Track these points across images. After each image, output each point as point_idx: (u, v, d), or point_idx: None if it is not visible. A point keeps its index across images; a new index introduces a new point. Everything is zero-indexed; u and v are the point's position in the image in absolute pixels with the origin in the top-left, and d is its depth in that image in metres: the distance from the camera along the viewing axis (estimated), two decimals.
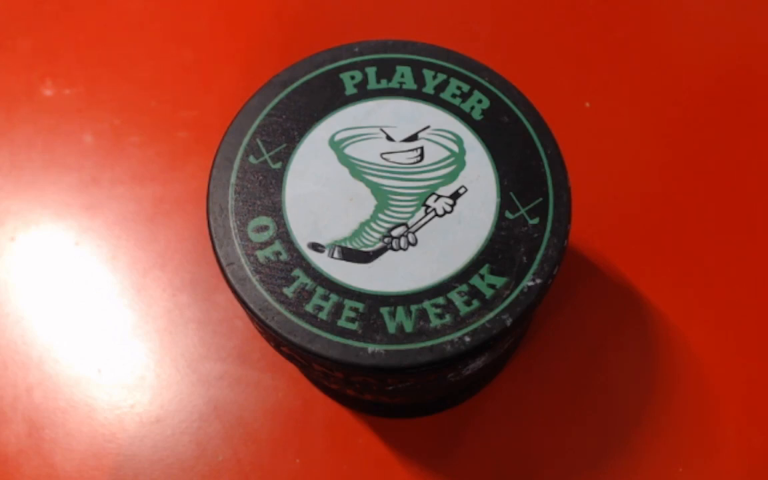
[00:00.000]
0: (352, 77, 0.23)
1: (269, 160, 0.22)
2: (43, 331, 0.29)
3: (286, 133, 0.23)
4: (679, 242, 0.30)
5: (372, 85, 0.23)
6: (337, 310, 0.20)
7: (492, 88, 0.23)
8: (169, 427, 0.27)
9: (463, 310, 0.20)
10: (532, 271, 0.20)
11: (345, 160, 0.22)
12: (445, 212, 0.21)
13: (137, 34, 0.35)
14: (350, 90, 0.23)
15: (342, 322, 0.20)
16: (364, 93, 0.23)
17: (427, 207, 0.21)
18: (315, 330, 0.20)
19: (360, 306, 0.20)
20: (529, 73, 0.30)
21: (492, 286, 0.20)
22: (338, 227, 0.21)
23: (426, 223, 0.21)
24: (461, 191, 0.22)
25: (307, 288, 0.20)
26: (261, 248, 0.21)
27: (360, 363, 0.19)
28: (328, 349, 0.20)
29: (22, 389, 0.28)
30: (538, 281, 0.20)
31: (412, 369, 0.19)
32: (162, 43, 0.35)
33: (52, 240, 0.30)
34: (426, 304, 0.20)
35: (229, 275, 0.20)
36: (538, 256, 0.21)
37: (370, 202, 0.21)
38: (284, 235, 0.21)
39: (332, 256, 0.21)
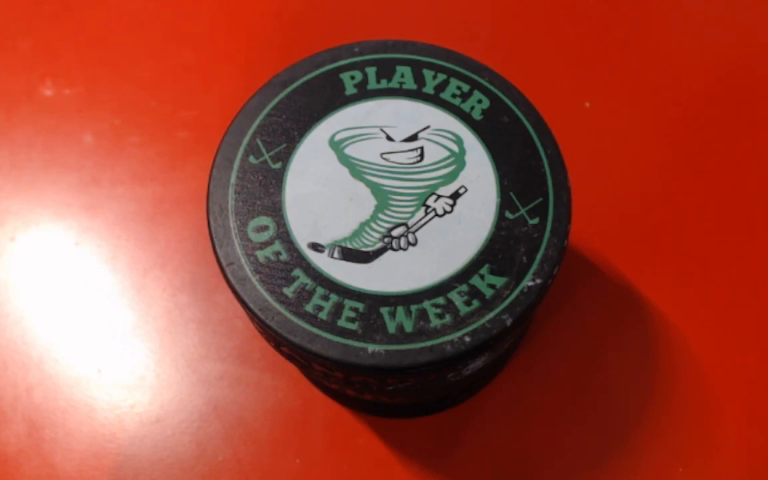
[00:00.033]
0: (352, 77, 0.23)
1: (269, 160, 0.22)
2: (43, 331, 0.29)
3: (286, 133, 0.23)
4: (679, 242, 0.30)
5: (372, 85, 0.23)
6: (337, 310, 0.20)
7: (492, 88, 0.23)
8: (169, 427, 0.27)
9: (463, 310, 0.20)
10: (532, 271, 0.20)
11: (345, 160, 0.22)
12: (445, 212, 0.21)
13: (137, 34, 0.35)
14: (350, 90, 0.23)
15: (342, 322, 0.20)
16: (364, 93, 0.23)
17: (427, 207, 0.21)
18: (315, 330, 0.20)
19: (360, 306, 0.20)
20: (529, 73, 0.30)
21: (492, 286, 0.20)
22: (338, 227, 0.21)
23: (426, 223, 0.21)
24: (461, 191, 0.22)
25: (307, 288, 0.20)
26: (261, 248, 0.21)
27: (360, 363, 0.19)
28: (328, 349, 0.20)
29: (22, 389, 0.28)
30: (538, 281, 0.20)
31: (412, 369, 0.19)
32: (162, 43, 0.35)
33: (52, 240, 0.30)
34: (426, 304, 0.20)
35: (229, 275, 0.20)
36: (538, 256, 0.21)
37: (370, 202, 0.21)
38: (284, 235, 0.21)
39: (332, 256, 0.21)
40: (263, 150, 0.22)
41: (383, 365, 0.19)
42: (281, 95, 0.23)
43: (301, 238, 0.21)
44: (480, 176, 0.22)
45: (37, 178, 0.32)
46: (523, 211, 0.21)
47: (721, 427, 0.27)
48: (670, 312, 0.28)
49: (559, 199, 0.21)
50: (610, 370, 0.28)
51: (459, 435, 0.27)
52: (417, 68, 0.24)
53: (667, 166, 0.31)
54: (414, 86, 0.23)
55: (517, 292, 0.20)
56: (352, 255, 0.21)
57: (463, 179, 0.22)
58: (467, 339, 0.20)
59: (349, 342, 0.20)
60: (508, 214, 0.21)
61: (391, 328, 0.20)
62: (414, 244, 0.21)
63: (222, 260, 0.21)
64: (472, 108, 0.23)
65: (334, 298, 0.20)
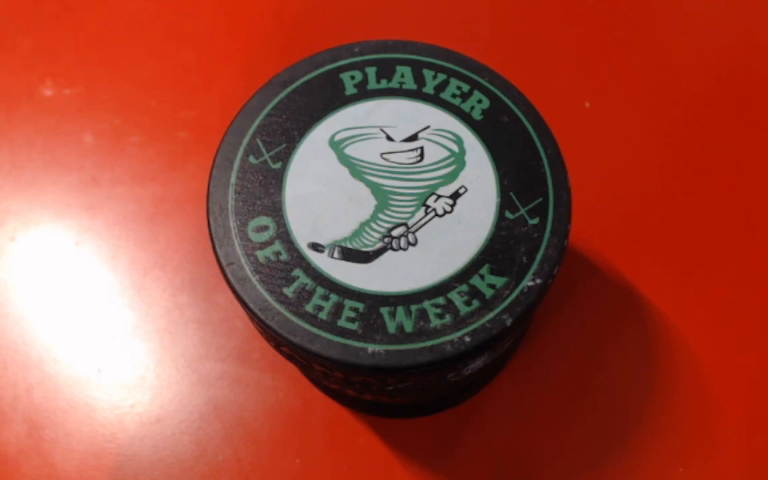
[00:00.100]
0: (352, 77, 0.23)
1: (269, 160, 0.22)
2: (43, 331, 0.29)
3: (286, 133, 0.23)
4: (679, 242, 0.30)
5: (372, 85, 0.23)
6: (337, 310, 0.20)
7: (492, 88, 0.23)
8: (169, 427, 0.27)
9: (463, 310, 0.20)
10: (532, 271, 0.20)
11: (345, 160, 0.22)
12: (445, 212, 0.21)
13: (137, 34, 0.35)
14: (350, 90, 0.23)
15: (342, 322, 0.20)
16: (364, 93, 0.23)
17: (427, 207, 0.21)
18: (315, 330, 0.20)
19: (360, 306, 0.20)
20: (529, 73, 0.30)
21: (492, 286, 0.20)
22: (338, 227, 0.21)
23: (426, 223, 0.21)
24: (461, 191, 0.22)
25: (307, 288, 0.20)
26: (261, 248, 0.21)
27: (360, 363, 0.19)
28: (328, 349, 0.20)
29: (22, 389, 0.28)
30: (538, 281, 0.20)
31: (412, 369, 0.19)
32: (162, 43, 0.35)
33: (52, 240, 0.30)
34: (426, 304, 0.20)
35: (229, 275, 0.20)
36: (538, 256, 0.21)
37: (370, 202, 0.21)
38: (284, 235, 0.21)
39: (332, 256, 0.21)
40: (263, 150, 0.22)
41: (383, 365, 0.19)
42: (281, 95, 0.23)
43: (301, 238, 0.21)
44: (480, 176, 0.22)
45: (37, 178, 0.32)
46: (523, 211, 0.21)
47: (721, 427, 0.27)
48: (670, 312, 0.28)
49: (559, 199, 0.21)
50: (610, 370, 0.28)
51: (459, 435, 0.27)
52: (417, 68, 0.24)
53: (667, 166, 0.31)
54: (414, 86, 0.23)
55: (517, 292, 0.20)
56: (352, 255, 0.21)
57: (463, 179, 0.22)
58: (467, 339, 0.20)
59: (349, 342, 0.20)
60: (508, 214, 0.21)
61: (391, 328, 0.20)
62: (414, 244, 0.21)
63: (222, 260, 0.21)
64: (472, 108, 0.23)
65: (334, 298, 0.20)
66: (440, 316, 0.20)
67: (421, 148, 0.22)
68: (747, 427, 0.27)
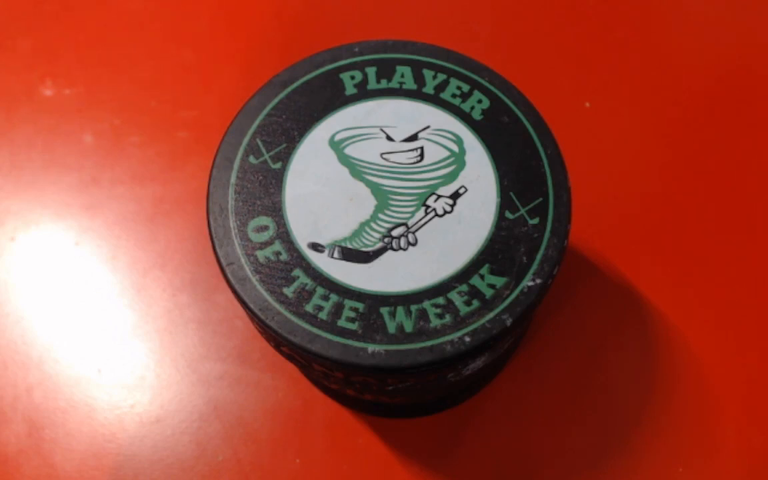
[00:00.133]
0: (352, 77, 0.23)
1: (269, 160, 0.22)
2: (43, 331, 0.29)
3: (286, 133, 0.23)
4: (679, 242, 0.30)
5: (372, 85, 0.23)
6: (337, 310, 0.20)
7: (492, 88, 0.23)
8: (169, 427, 0.27)
9: (463, 310, 0.20)
10: (532, 271, 0.20)
11: (345, 160, 0.22)
12: (445, 212, 0.21)
13: (137, 34, 0.35)
14: (350, 90, 0.23)
15: (342, 322, 0.20)
16: (364, 93, 0.23)
17: (427, 207, 0.21)
18: (315, 330, 0.20)
19: (360, 306, 0.20)
20: (529, 73, 0.30)
21: (492, 286, 0.20)
22: (338, 227, 0.21)
23: (426, 223, 0.21)
24: (461, 191, 0.22)
25: (307, 288, 0.20)
26: (261, 248, 0.21)
27: (360, 363, 0.19)
28: (328, 349, 0.20)
29: (22, 389, 0.28)
30: (538, 281, 0.20)
31: (412, 369, 0.19)
32: (162, 43, 0.35)
33: (52, 240, 0.30)
34: (426, 304, 0.20)
35: (229, 275, 0.20)
36: (538, 256, 0.21)
37: (370, 202, 0.21)
38: (284, 235, 0.21)
39: (332, 256, 0.21)
40: (263, 150, 0.22)
41: (383, 365, 0.19)
42: (281, 95, 0.23)
43: (301, 238, 0.21)
44: (480, 176, 0.22)
45: (37, 178, 0.32)
46: (523, 211, 0.21)
47: (721, 427, 0.27)
48: (670, 312, 0.28)
49: (559, 199, 0.21)
50: (610, 370, 0.28)
51: (459, 435, 0.27)
52: (417, 68, 0.24)
53: (667, 166, 0.31)
54: (414, 86, 0.23)
55: (517, 292, 0.20)
56: (352, 255, 0.21)
57: (463, 179, 0.22)
58: (467, 339, 0.20)
59: (349, 342, 0.20)
60: (508, 214, 0.21)
61: (391, 328, 0.20)
62: (414, 244, 0.21)
63: (222, 260, 0.21)
64: (472, 108, 0.23)
65: (334, 298, 0.20)
66: (440, 316, 0.20)
67: (421, 148, 0.22)
68: (747, 427, 0.27)
